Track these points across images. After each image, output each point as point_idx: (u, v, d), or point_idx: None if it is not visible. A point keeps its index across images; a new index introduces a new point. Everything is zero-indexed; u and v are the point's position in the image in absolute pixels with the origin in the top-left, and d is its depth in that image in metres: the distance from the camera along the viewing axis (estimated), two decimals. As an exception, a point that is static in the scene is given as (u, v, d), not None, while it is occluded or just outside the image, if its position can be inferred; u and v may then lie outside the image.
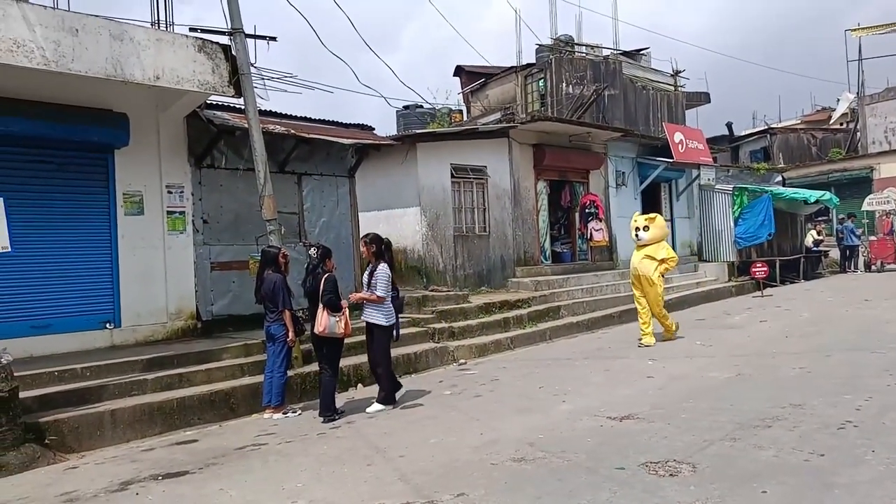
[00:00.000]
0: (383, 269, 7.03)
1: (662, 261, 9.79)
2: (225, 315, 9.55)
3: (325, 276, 6.84)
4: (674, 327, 10.08)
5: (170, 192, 9.08)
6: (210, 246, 9.50)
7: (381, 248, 7.15)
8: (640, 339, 9.79)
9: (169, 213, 9.06)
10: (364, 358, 8.84)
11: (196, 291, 9.28)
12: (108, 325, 8.46)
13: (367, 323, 7.13)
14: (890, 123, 30.57)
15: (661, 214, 18.62)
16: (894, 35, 31.35)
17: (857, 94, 31.76)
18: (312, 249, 7.08)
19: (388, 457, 5.34)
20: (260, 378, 7.48)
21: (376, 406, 7.02)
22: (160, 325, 8.90)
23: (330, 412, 6.75)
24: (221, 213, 9.67)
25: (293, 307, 7.17)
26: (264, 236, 8.65)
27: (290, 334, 7.03)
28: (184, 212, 9.22)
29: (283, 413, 7.06)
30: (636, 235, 10.01)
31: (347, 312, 6.87)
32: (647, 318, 9.85)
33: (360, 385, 8.46)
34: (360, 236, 7.60)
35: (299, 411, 7.19)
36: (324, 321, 6.67)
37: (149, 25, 8.36)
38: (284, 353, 7.08)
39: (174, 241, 9.09)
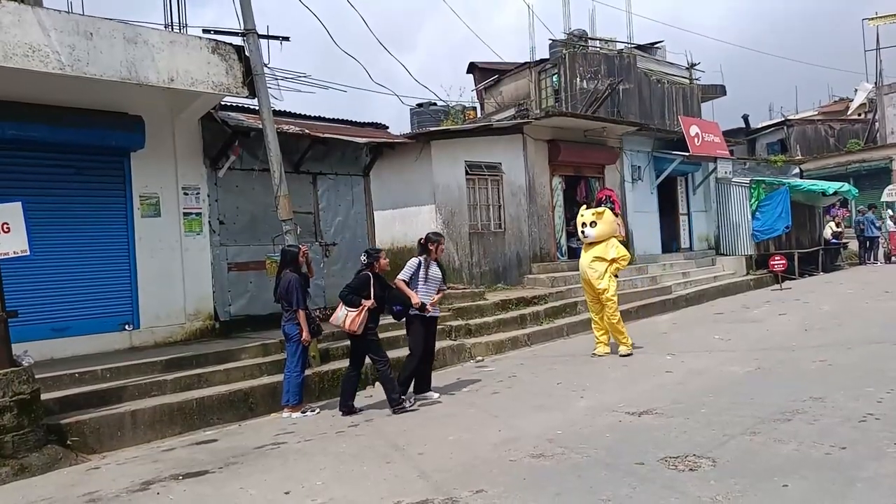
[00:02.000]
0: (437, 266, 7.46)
1: (613, 261, 8.76)
2: (243, 315, 9.61)
3: (360, 273, 7.04)
4: (629, 341, 8.82)
5: (186, 194, 9.15)
6: (227, 247, 9.56)
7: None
8: (595, 350, 8.96)
9: (185, 214, 9.13)
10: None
11: (213, 292, 9.35)
12: (126, 327, 8.55)
13: (429, 317, 7.28)
14: (910, 113, 30.05)
15: (678, 208, 18.65)
16: (913, 23, 30.84)
17: (876, 83, 31.24)
18: (364, 255, 7.26)
19: (407, 454, 5.35)
20: (278, 377, 7.52)
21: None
22: (178, 326, 8.97)
23: (397, 403, 6.80)
24: (237, 214, 9.73)
25: (308, 307, 7.21)
26: (280, 236, 8.69)
27: (304, 334, 7.06)
28: (200, 213, 9.28)
29: (302, 412, 7.10)
30: (582, 233, 8.99)
31: (364, 313, 6.84)
32: (602, 326, 8.95)
33: (377, 383, 8.45)
34: (432, 234, 7.56)
35: (318, 410, 7.22)
36: (335, 314, 6.90)
37: (162, 28, 8.43)
38: (299, 352, 7.12)
39: (191, 243, 9.16)
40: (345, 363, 8.42)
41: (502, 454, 5.09)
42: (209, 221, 9.38)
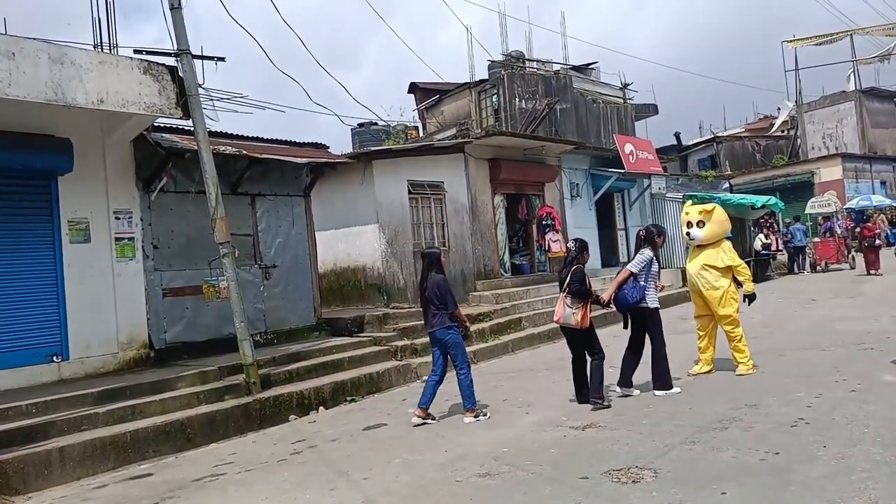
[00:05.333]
0: None
1: (728, 269, 7.48)
2: (179, 342, 9.27)
3: (574, 268, 6.82)
4: (750, 361, 7.52)
5: (118, 218, 8.81)
6: (161, 272, 9.23)
7: None
8: (691, 369, 7.82)
9: (117, 239, 8.78)
10: (324, 380, 8.75)
11: (148, 319, 8.99)
12: (55, 359, 8.11)
13: (644, 308, 7.01)
14: (827, 129, 31.98)
15: (615, 224, 19.13)
16: (827, 46, 32.96)
17: (796, 102, 33.13)
18: (571, 243, 7.12)
19: (351, 479, 5.25)
20: (217, 406, 7.39)
21: (666, 391, 6.94)
22: (111, 356, 8.58)
23: (599, 398, 6.58)
24: (172, 238, 9.42)
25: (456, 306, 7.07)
26: (218, 260, 8.48)
27: (467, 328, 7.20)
28: (133, 238, 8.95)
29: (475, 416, 6.74)
30: (688, 234, 7.73)
31: (589, 306, 6.73)
32: (705, 343, 7.78)
33: (321, 408, 8.31)
34: (655, 226, 7.48)
35: (488, 414, 6.87)
36: (558, 311, 6.73)
37: (91, 48, 8.16)
38: (461, 354, 6.90)
39: (123, 269, 8.81)
40: (286, 388, 8.31)
41: (449, 475, 5.06)
42: (142, 246, 9.05)
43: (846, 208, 23.89)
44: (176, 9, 8.13)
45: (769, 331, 10.51)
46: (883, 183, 30.35)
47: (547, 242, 16.14)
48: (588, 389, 6.85)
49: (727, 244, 7.72)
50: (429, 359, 10.20)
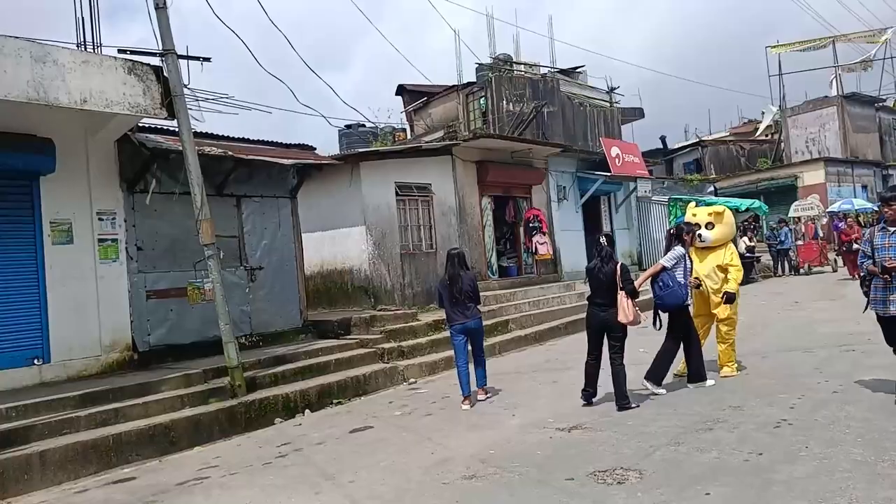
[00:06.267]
0: None
1: (725, 270, 7.41)
2: (163, 345, 9.18)
3: (619, 263, 6.66)
4: (735, 364, 7.54)
5: (101, 220, 8.72)
6: (145, 273, 9.15)
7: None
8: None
9: (100, 240, 8.69)
10: (310, 383, 8.71)
11: (132, 322, 8.90)
12: (36, 361, 8.01)
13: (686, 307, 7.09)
14: (810, 134, 32.37)
15: (602, 227, 19.18)
16: (810, 52, 33.39)
17: (780, 107, 33.50)
18: (603, 238, 7.06)
19: (337, 483, 5.23)
20: (201, 409, 7.35)
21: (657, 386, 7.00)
22: (94, 359, 8.48)
23: (626, 399, 6.51)
24: (157, 240, 9.33)
25: None
26: (203, 262, 8.41)
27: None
28: (116, 239, 8.86)
29: (486, 394, 7.76)
30: (699, 235, 7.55)
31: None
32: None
33: (307, 411, 8.27)
34: (686, 224, 7.43)
35: (493, 399, 7.67)
36: (631, 311, 6.47)
37: (74, 47, 8.07)
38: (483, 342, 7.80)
39: (107, 270, 8.72)
40: (272, 391, 8.27)
41: (435, 477, 5.05)
42: (126, 247, 8.95)
43: (828, 211, 24.17)
44: (161, 8, 8.08)
45: (753, 333, 10.58)
46: (864, 187, 30.75)
47: (534, 245, 16.18)
48: (596, 388, 6.91)
49: (733, 246, 7.69)
50: (416, 361, 10.26)
